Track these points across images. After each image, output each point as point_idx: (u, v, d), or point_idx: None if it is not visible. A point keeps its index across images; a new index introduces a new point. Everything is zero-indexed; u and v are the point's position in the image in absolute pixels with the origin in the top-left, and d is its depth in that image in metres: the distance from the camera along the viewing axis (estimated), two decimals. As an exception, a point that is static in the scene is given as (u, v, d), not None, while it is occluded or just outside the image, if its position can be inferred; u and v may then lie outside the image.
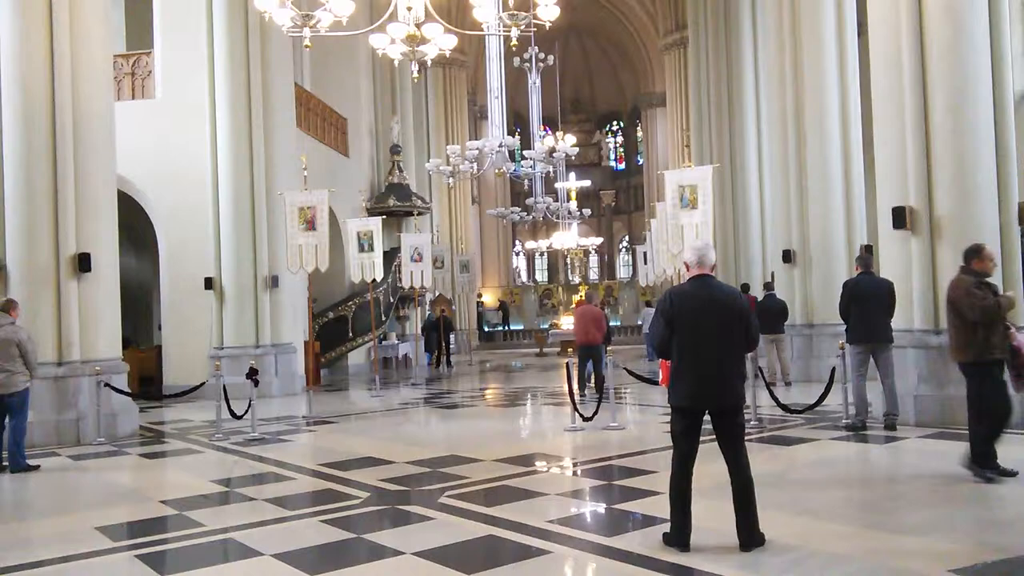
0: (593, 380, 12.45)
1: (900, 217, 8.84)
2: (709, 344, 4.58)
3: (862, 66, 12.80)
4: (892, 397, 8.62)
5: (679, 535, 4.60)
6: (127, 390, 10.71)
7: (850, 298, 8.73)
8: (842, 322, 9.09)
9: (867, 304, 8.57)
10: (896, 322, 8.72)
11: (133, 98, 15.71)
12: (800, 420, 9.39)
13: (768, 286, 14.02)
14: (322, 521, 5.72)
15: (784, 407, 9.13)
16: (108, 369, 10.14)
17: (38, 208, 9.89)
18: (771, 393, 9.33)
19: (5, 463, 8.12)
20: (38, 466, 8.23)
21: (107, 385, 9.96)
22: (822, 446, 8.04)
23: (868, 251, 10.30)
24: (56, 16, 9.97)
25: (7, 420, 8.17)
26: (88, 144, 10.21)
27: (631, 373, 11.06)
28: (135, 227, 16.33)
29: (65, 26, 10.02)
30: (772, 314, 13.31)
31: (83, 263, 10.01)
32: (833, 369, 9.03)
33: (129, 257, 17.31)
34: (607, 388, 9.88)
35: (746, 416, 9.20)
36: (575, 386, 11.78)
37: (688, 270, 4.77)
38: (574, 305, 13.24)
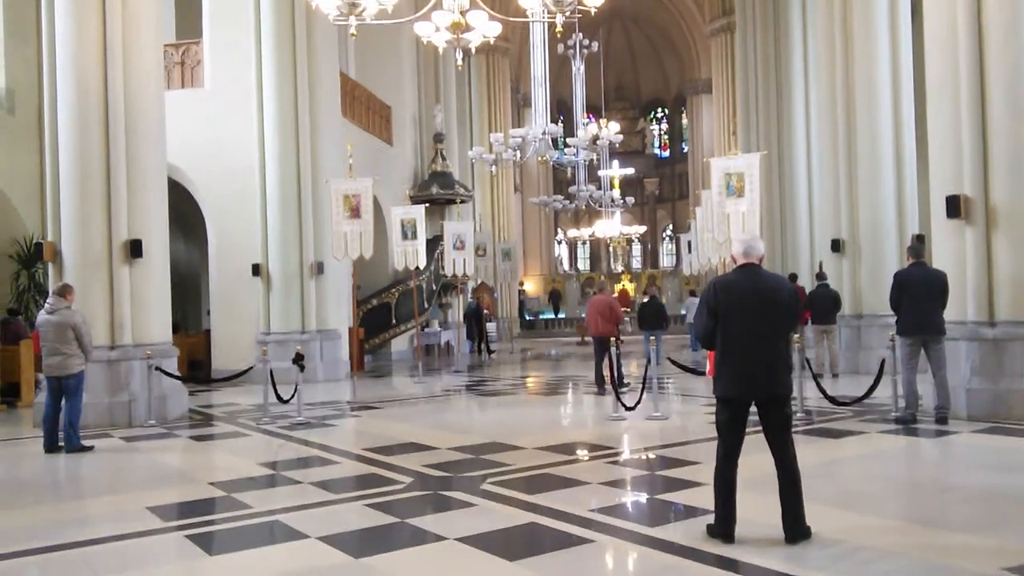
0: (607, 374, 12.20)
1: (954, 206, 8.61)
2: (755, 334, 4.51)
3: (916, 50, 12.48)
4: (944, 390, 8.42)
5: (724, 526, 4.56)
6: (177, 374, 10.94)
7: (901, 289, 8.54)
8: (892, 313, 8.90)
9: (919, 295, 8.37)
10: (949, 313, 8.51)
11: (183, 87, 15.97)
12: (848, 412, 9.23)
13: (820, 276, 13.78)
14: (366, 505, 5.79)
15: (832, 399, 8.98)
16: (159, 353, 10.37)
17: (91, 195, 10.11)
18: (818, 385, 9.17)
19: (61, 443, 8.35)
20: (92, 447, 8.46)
21: (158, 368, 10.18)
22: (871, 439, 7.89)
23: (920, 241, 10.07)
24: (109, 7, 10.15)
25: (63, 402, 8.40)
26: (139, 133, 10.40)
27: (674, 363, 10.98)
28: (185, 214, 16.64)
29: (117, 17, 10.20)
30: (824, 304, 13.10)
31: (135, 249, 10.23)
32: (883, 361, 8.85)
33: (179, 244, 17.67)
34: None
35: (793, 408, 9.11)
36: (602, 373, 11.70)
37: (735, 263, 4.70)
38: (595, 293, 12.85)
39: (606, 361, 12.06)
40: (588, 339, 25.88)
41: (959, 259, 8.67)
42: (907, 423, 8.39)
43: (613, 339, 11.14)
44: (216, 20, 15.91)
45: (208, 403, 12.53)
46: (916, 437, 7.96)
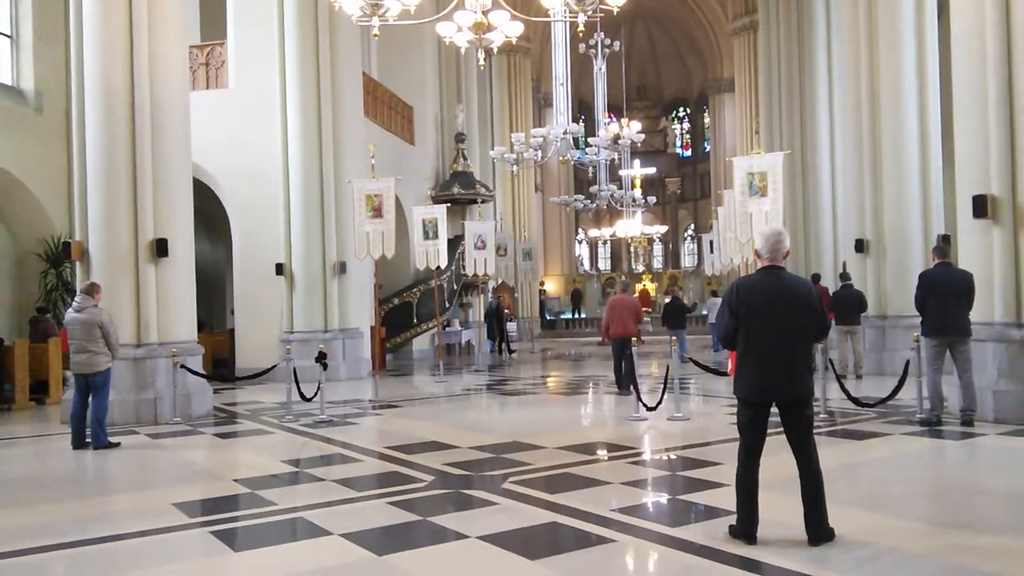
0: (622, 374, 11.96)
1: (981, 206, 8.50)
2: (776, 335, 4.49)
3: (942, 48, 12.34)
4: (970, 392, 8.32)
5: (745, 527, 4.54)
6: (202, 372, 11.05)
7: (927, 289, 8.45)
8: (917, 314, 8.81)
9: (945, 296, 8.28)
10: (975, 314, 8.41)
11: (207, 88, 16.15)
12: (872, 414, 9.14)
13: (844, 276, 13.67)
14: (388, 503, 5.82)
15: (855, 400, 8.91)
16: (184, 351, 10.48)
17: (118, 195, 10.23)
18: (842, 386, 9.10)
19: (88, 440, 8.47)
20: (118, 443, 8.56)
21: (183, 367, 10.30)
22: (895, 441, 7.82)
23: (946, 241, 9.96)
24: (135, 9, 10.27)
25: (90, 399, 8.52)
26: (165, 133, 10.52)
27: (696, 363, 10.93)
28: (210, 214, 16.81)
29: (143, 19, 10.31)
30: (848, 305, 12.98)
31: (160, 248, 10.35)
32: (907, 362, 8.76)
33: (203, 243, 17.85)
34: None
35: (815, 409, 9.04)
36: (625, 372, 11.62)
37: (759, 259, 4.67)
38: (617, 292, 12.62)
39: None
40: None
41: (986, 259, 8.56)
42: (932, 425, 8.31)
43: (634, 339, 11.11)
44: (240, 22, 16.07)
45: (232, 401, 12.65)
46: (941, 439, 7.87)
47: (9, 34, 15.10)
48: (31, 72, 15.19)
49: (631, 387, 11.72)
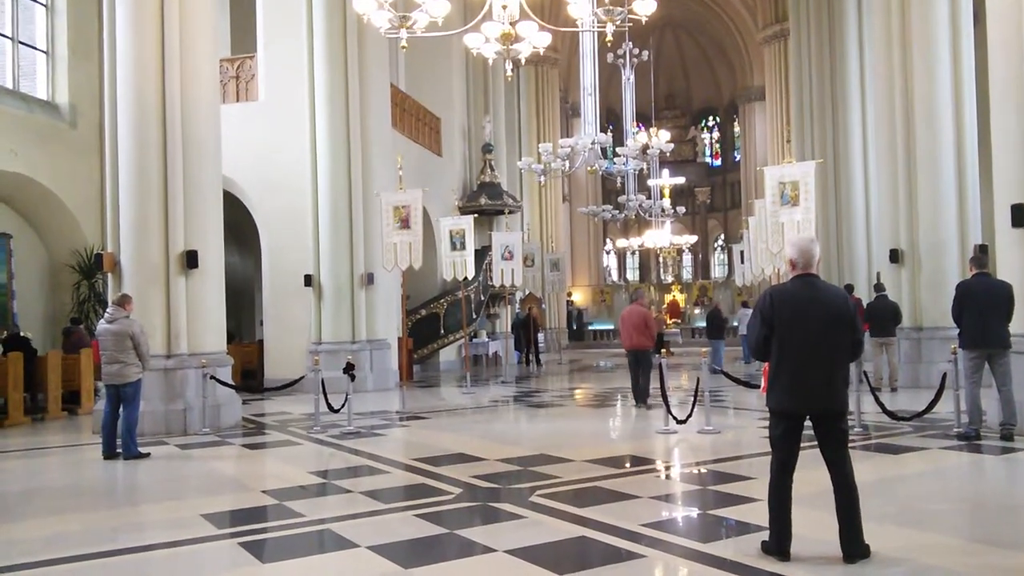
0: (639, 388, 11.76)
1: (1020, 215, 8.31)
2: (811, 346, 4.38)
3: (978, 54, 12.12)
4: (1009, 406, 8.11)
5: (779, 543, 4.43)
6: (231, 383, 11.12)
7: (964, 300, 8.26)
8: (954, 325, 8.62)
9: (983, 307, 8.09)
10: (1015, 326, 8.20)
11: (237, 101, 16.32)
12: (908, 428, 8.95)
13: (879, 287, 13.45)
14: (415, 515, 5.78)
15: (891, 414, 8.72)
16: (213, 362, 10.56)
17: (149, 207, 10.35)
18: (876, 399, 8.92)
19: (119, 450, 8.54)
20: (148, 454, 8.63)
21: (212, 377, 10.37)
22: (932, 455, 7.64)
23: (983, 251, 9.74)
24: (167, 23, 10.42)
25: (121, 409, 8.59)
26: (196, 146, 10.64)
27: (727, 375, 10.79)
28: (239, 226, 16.98)
29: (175, 33, 10.45)
30: (883, 316, 12.77)
31: (191, 260, 10.45)
32: (944, 375, 8.56)
33: (233, 255, 18.03)
34: (700, 391, 9.64)
35: (850, 422, 8.87)
36: (641, 387, 11.50)
37: (793, 268, 4.56)
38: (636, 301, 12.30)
39: (650, 373, 11.93)
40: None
41: (1026, 269, 8.36)
42: (970, 439, 8.11)
43: (663, 350, 10.99)
44: (270, 35, 16.24)
45: (261, 412, 12.71)
46: (980, 454, 7.68)
47: (45, 50, 15.41)
48: (66, 87, 15.50)
49: (646, 401, 11.61)
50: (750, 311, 19.99)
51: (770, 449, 4.60)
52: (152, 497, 7.15)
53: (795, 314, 4.41)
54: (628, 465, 7.71)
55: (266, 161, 15.84)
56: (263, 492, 6.77)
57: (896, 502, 5.84)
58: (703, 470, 7.46)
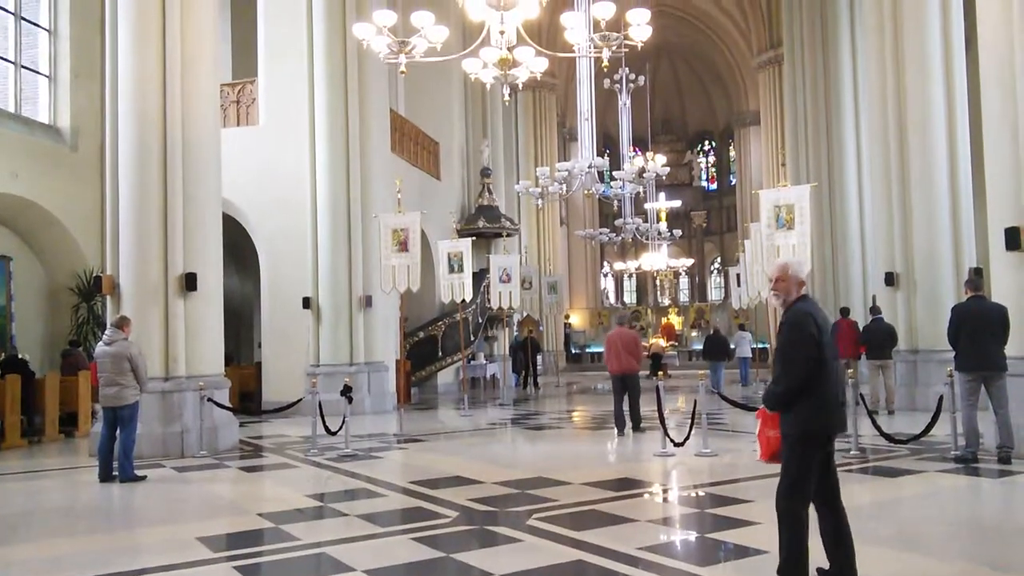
0: (629, 416, 11.50)
1: (1014, 238, 8.38)
2: (837, 365, 4.37)
3: (970, 81, 12.27)
4: (1006, 429, 8.12)
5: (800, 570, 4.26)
6: (228, 405, 11.10)
7: (960, 323, 8.30)
8: (950, 348, 8.65)
9: (978, 330, 8.13)
10: (1011, 349, 8.24)
11: (238, 125, 16.43)
12: (905, 451, 8.95)
13: (875, 309, 13.50)
14: (412, 539, 5.77)
15: (888, 436, 8.72)
16: (211, 384, 10.55)
17: (149, 230, 10.40)
18: (873, 421, 8.92)
19: (115, 473, 8.51)
20: (145, 476, 8.60)
21: (210, 400, 10.35)
22: (929, 479, 7.63)
23: (978, 274, 9.81)
24: (169, 48, 10.53)
25: (118, 432, 8.57)
26: (196, 169, 10.71)
27: (725, 399, 10.80)
28: (239, 248, 17.02)
29: (177, 58, 10.57)
30: (879, 338, 12.81)
31: (190, 282, 10.47)
32: (940, 397, 8.58)
33: (232, 277, 18.06)
34: (696, 414, 9.64)
35: (847, 446, 8.87)
36: (621, 413, 11.39)
37: (799, 289, 4.40)
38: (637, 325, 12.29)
39: (645, 396, 11.79)
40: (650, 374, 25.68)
41: (1020, 292, 8.42)
42: (968, 462, 8.11)
43: (661, 373, 10.99)
44: (271, 60, 16.38)
45: (258, 434, 12.68)
46: (978, 477, 7.68)
47: (47, 74, 15.53)
48: (67, 110, 15.59)
49: (639, 425, 11.47)
50: (748, 335, 19.94)
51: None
52: (148, 520, 7.13)
53: (824, 334, 4.36)
54: (626, 488, 7.69)
55: (266, 184, 15.91)
56: (259, 515, 6.75)
57: (894, 526, 5.83)
58: (701, 493, 7.45)
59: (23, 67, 15.15)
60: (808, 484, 4.24)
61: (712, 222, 43.33)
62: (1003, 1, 8.57)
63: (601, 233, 29.21)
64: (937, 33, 13.24)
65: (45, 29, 15.54)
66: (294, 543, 5.75)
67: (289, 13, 15.96)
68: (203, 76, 10.87)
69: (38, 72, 15.45)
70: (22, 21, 15.17)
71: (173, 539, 6.01)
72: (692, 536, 5.91)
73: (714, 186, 44.62)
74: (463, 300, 15.39)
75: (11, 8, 14.98)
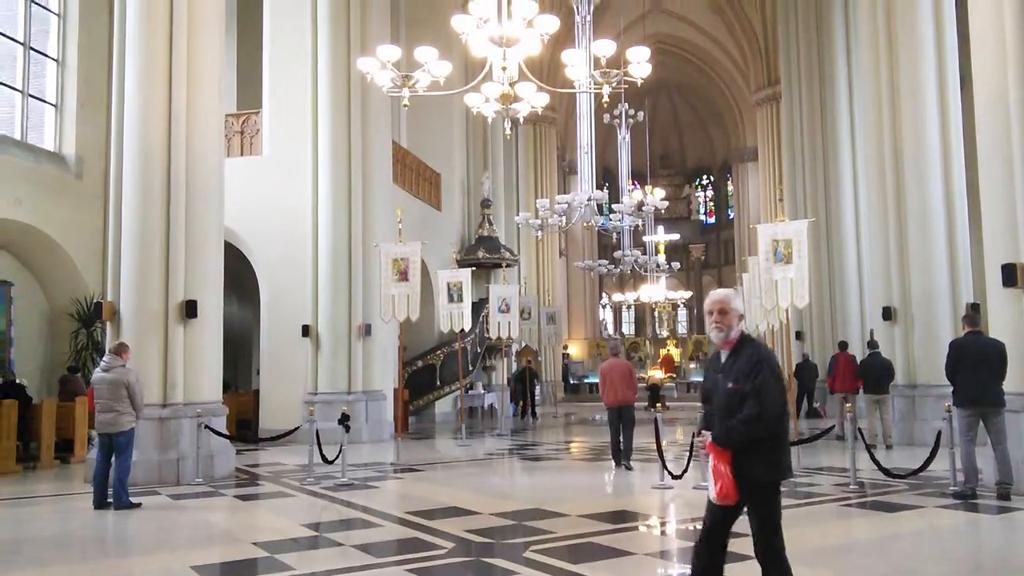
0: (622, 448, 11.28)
1: (1011, 275, 8.44)
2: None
3: (965, 116, 12.41)
4: (1005, 465, 8.11)
5: None
6: (225, 432, 11.07)
7: (957, 359, 8.33)
8: (948, 383, 8.67)
9: (976, 365, 8.16)
10: (1009, 385, 8.26)
11: (242, 155, 16.57)
12: (903, 486, 8.92)
13: (872, 344, 13.53)
14: (407, 570, 5.74)
15: (886, 471, 8.71)
16: (208, 412, 10.54)
17: (151, 257, 10.46)
18: (872, 456, 8.92)
19: (110, 500, 8.47)
20: (140, 504, 8.56)
21: (207, 427, 10.33)
22: (928, 514, 7.61)
23: (975, 309, 9.87)
24: (175, 79, 10.67)
25: (113, 458, 8.55)
26: (199, 197, 10.79)
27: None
28: (239, 275, 17.06)
29: (182, 89, 10.70)
30: (877, 373, 12.82)
31: (190, 310, 10.51)
32: (939, 433, 8.58)
33: (232, 304, 18.08)
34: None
35: (845, 480, 8.84)
36: (618, 445, 11.26)
37: (740, 322, 4.30)
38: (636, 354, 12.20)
39: (643, 428, 11.65)
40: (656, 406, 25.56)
41: (1017, 328, 8.45)
42: (967, 498, 8.10)
43: (659, 404, 10.97)
44: (275, 92, 16.56)
45: (254, 462, 12.62)
46: (976, 513, 7.66)
47: (54, 103, 15.70)
48: (73, 139, 15.73)
49: (629, 460, 11.35)
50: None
51: (773, 525, 4.35)
52: (142, 548, 7.08)
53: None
54: (623, 521, 7.66)
55: (268, 213, 16.01)
56: (254, 544, 6.71)
57: (892, 562, 5.81)
58: (698, 526, 7.40)
59: (30, 96, 15.31)
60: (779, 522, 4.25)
61: (710, 255, 43.51)
62: (997, 37, 8.71)
63: (600, 264, 29.33)
64: (932, 70, 13.41)
65: (53, 59, 15.74)
66: (289, 573, 5.72)
67: (294, 46, 16.18)
68: (208, 108, 11.00)
69: (45, 101, 15.62)
70: (31, 51, 15.37)
71: (167, 568, 5.99)
72: (688, 570, 5.87)
73: (712, 220, 44.87)
74: (462, 329, 15.41)
75: (20, 38, 15.19)
